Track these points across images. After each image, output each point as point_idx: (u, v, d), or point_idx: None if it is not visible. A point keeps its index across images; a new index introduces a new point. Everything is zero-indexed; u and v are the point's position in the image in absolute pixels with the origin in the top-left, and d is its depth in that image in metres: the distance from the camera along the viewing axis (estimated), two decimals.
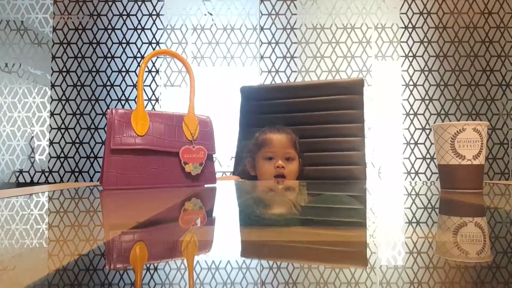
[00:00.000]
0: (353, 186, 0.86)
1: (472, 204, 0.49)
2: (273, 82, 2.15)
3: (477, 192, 0.59)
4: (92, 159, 2.18)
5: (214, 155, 0.71)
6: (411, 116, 2.13)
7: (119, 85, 2.20)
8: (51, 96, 2.19)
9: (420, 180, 2.11)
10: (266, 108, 1.40)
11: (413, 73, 2.13)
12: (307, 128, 1.33)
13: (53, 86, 2.20)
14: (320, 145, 1.31)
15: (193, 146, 0.66)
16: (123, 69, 2.20)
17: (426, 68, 2.13)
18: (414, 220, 0.37)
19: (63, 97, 2.20)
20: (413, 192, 0.65)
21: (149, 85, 2.18)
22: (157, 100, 2.19)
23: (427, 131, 2.12)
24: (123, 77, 2.20)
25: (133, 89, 2.19)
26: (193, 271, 0.20)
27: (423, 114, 2.13)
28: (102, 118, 2.19)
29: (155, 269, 0.21)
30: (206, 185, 0.69)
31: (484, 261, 0.23)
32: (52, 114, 2.19)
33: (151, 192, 0.60)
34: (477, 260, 0.23)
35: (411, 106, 2.12)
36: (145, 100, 2.18)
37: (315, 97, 1.37)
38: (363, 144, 1.30)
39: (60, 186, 0.78)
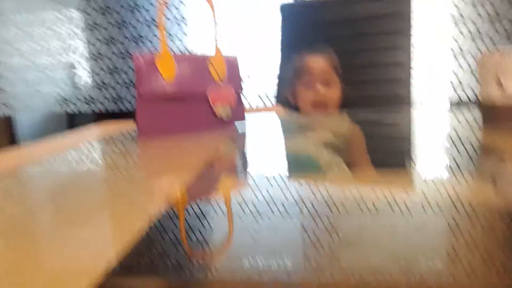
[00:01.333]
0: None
1: None
2: None
3: None
4: (131, 87, 2.23)
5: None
6: None
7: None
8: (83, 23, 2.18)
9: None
10: (308, 28, 1.32)
11: None
12: (350, 47, 1.24)
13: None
14: (363, 60, 1.23)
15: (222, 87, 0.65)
16: None
17: None
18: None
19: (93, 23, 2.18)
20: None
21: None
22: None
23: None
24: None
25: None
26: None
27: None
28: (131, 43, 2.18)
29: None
30: (236, 123, 0.69)
31: None
32: (88, 42, 2.21)
33: (186, 139, 0.61)
34: None
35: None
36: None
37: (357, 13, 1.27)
38: (409, 57, 1.20)
39: (103, 129, 0.81)
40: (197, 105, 0.64)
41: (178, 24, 2.09)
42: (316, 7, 1.39)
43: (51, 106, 2.23)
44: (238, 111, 0.68)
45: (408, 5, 1.24)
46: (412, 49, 1.21)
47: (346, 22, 1.30)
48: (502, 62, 0.55)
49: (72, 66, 2.20)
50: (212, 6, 0.65)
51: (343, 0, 1.37)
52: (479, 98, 0.60)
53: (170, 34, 2.07)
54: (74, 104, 2.24)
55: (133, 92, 2.21)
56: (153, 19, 2.12)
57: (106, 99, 2.21)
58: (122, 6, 2.13)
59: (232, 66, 0.68)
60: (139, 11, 2.13)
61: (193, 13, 2.13)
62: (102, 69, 2.19)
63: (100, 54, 2.18)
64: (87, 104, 2.24)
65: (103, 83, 2.20)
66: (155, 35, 2.11)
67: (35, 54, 2.18)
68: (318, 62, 1.12)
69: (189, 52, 2.09)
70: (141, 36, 2.13)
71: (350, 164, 1.10)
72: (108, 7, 2.14)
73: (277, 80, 1.33)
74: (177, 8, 2.09)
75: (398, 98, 1.20)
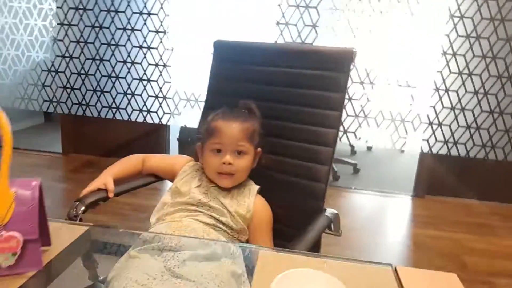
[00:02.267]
0: None
1: None
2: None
3: None
4: (98, 93, 2.11)
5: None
6: None
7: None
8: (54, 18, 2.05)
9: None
10: (238, 73, 1.18)
11: None
12: (276, 107, 1.12)
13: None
14: (287, 131, 1.10)
15: (2, 235, 0.52)
16: None
17: None
18: None
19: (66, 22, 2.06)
20: None
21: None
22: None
23: None
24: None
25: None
26: None
27: None
28: (106, 48, 2.05)
29: None
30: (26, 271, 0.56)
31: None
32: (55, 40, 2.09)
33: None
34: None
35: None
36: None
37: (292, 68, 1.12)
38: (335, 138, 1.06)
39: None
40: None
41: None
42: (252, 51, 1.21)
43: (14, 103, 2.13)
44: (30, 257, 0.55)
45: (347, 76, 1.09)
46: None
47: (281, 76, 1.14)
48: None
49: None
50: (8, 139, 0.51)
51: (283, 49, 1.23)
52: None
53: (148, 11, 1.94)
54: None
55: (101, 99, 2.09)
56: None
57: (72, 102, 2.10)
58: None
59: (23, 201, 0.54)
60: None
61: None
62: (69, 70, 2.08)
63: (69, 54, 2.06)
64: (51, 104, 2.13)
65: (70, 85, 2.09)
66: None
67: None
68: (233, 129, 0.97)
69: (165, 32, 1.95)
70: None
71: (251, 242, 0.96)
72: None
73: (197, 128, 1.19)
74: None
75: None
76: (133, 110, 2.10)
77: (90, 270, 0.75)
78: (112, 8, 2.00)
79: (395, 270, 0.64)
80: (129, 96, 2.08)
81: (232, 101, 1.06)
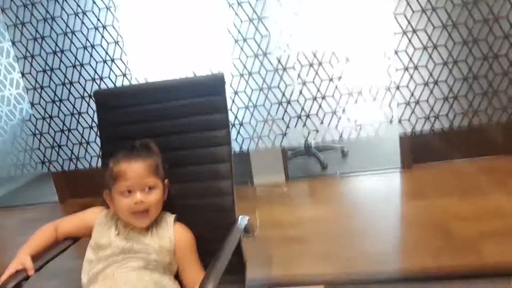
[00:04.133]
0: None
1: None
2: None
3: None
4: (85, 145, 2.21)
5: None
6: None
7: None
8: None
9: None
10: (125, 117, 1.28)
11: None
12: (170, 140, 1.24)
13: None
14: (185, 158, 1.23)
15: None
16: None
17: None
18: None
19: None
20: None
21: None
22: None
23: None
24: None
25: None
26: None
27: None
28: (81, 101, 2.13)
29: None
30: None
31: None
32: (32, 104, 2.19)
33: None
34: None
35: None
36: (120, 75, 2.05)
37: (174, 100, 1.25)
38: (229, 153, 1.19)
39: None
40: None
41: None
42: (132, 94, 1.32)
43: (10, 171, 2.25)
44: None
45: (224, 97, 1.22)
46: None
47: (165, 111, 1.26)
48: None
49: None
50: None
51: (159, 87, 1.32)
52: None
53: (111, 57, 2.02)
54: None
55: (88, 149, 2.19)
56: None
57: (62, 158, 2.22)
58: None
59: None
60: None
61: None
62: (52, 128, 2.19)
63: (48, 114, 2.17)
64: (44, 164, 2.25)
65: (57, 143, 2.20)
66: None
67: None
68: (135, 167, 1.04)
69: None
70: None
71: (183, 270, 1.06)
72: None
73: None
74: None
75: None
76: None
77: None
78: (77, 63, 2.08)
79: None
80: None
81: (127, 144, 1.16)
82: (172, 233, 1.07)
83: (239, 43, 1.92)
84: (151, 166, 1.05)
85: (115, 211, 1.07)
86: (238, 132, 2.02)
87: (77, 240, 1.15)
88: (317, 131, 2.03)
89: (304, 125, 2.02)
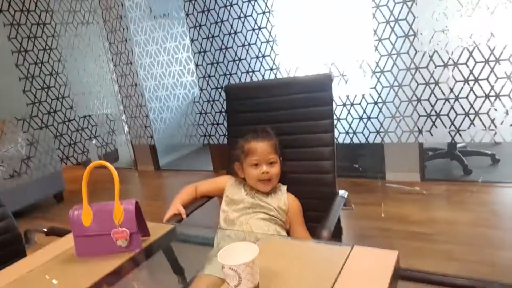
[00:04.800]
0: None
1: None
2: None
3: None
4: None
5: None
6: None
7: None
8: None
9: None
10: (249, 106, 1.57)
11: None
12: (284, 126, 1.48)
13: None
14: (296, 142, 1.46)
15: (119, 229, 1.00)
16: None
17: None
18: None
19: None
20: None
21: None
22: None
23: None
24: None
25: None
26: None
27: None
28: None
29: None
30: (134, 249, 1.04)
31: None
32: (201, 90, 2.74)
33: (103, 256, 1.01)
34: None
35: None
36: (268, 70, 2.43)
37: (287, 95, 1.50)
38: (332, 139, 1.40)
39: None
40: (106, 239, 1.02)
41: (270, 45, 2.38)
42: (256, 88, 1.61)
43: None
44: (134, 241, 1.02)
45: (330, 95, 1.43)
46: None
47: (281, 103, 1.51)
48: None
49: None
50: (116, 180, 1.00)
51: (277, 83, 1.61)
52: None
53: (262, 54, 2.40)
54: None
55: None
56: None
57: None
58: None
59: (128, 212, 1.01)
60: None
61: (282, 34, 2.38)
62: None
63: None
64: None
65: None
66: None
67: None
68: (262, 146, 1.32)
69: (277, 69, 2.37)
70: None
71: (292, 229, 1.35)
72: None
73: (228, 153, 1.52)
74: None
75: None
76: None
77: (180, 276, 1.18)
78: (236, 58, 2.54)
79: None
80: None
81: (248, 129, 1.45)
82: (286, 199, 1.33)
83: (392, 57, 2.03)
84: (273, 145, 1.33)
85: (246, 178, 1.38)
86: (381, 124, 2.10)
87: (210, 199, 1.45)
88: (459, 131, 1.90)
89: (471, 124, 1.85)
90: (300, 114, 1.46)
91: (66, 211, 1.04)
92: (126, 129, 3.12)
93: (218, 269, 0.75)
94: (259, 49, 2.44)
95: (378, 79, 2.05)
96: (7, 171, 2.22)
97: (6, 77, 2.35)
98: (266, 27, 2.38)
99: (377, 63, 2.03)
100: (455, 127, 1.91)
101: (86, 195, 1.02)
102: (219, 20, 2.54)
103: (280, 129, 1.45)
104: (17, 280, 0.97)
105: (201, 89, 2.73)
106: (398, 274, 0.78)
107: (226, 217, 1.34)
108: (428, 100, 1.95)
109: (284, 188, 1.37)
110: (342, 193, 1.38)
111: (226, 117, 1.67)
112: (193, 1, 2.57)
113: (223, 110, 2.68)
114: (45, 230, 1.34)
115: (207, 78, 2.69)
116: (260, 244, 0.99)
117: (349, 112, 2.19)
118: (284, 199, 1.32)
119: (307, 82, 1.50)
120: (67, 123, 2.62)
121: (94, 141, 2.79)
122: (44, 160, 2.44)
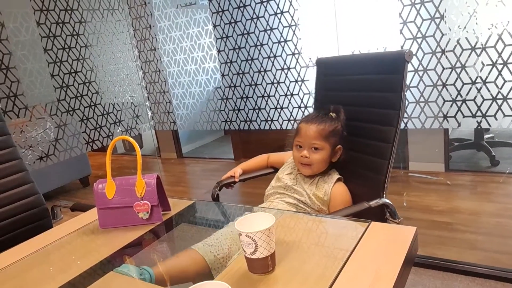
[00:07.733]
0: None
1: None
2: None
3: None
4: (257, 110, 2.67)
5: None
6: None
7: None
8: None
9: None
10: (332, 83, 1.47)
11: None
12: (353, 110, 1.33)
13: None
14: (360, 130, 1.31)
15: (141, 202, 1.03)
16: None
17: None
18: None
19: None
20: None
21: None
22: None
23: None
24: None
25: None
26: None
27: None
28: (258, 75, 2.59)
29: None
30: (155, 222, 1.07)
31: None
32: (223, 75, 2.76)
33: (125, 228, 1.04)
34: None
35: None
36: (289, 54, 2.42)
37: (360, 74, 1.35)
38: (394, 136, 1.19)
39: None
40: (128, 211, 1.05)
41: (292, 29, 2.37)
42: (342, 62, 1.48)
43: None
44: (155, 214, 1.05)
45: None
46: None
47: (351, 81, 1.38)
48: None
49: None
50: (139, 156, 1.03)
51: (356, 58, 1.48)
52: None
53: (284, 39, 2.39)
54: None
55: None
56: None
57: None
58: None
59: (149, 186, 1.04)
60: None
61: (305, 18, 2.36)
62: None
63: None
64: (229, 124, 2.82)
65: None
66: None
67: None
68: (309, 130, 1.27)
69: (299, 53, 2.36)
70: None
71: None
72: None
73: None
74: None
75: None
76: (283, 120, 2.58)
77: None
78: (258, 43, 2.53)
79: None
80: (279, 110, 2.58)
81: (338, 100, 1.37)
82: (330, 189, 1.24)
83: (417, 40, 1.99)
84: (323, 130, 1.23)
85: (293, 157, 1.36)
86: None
87: (275, 172, 1.45)
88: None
89: (499, 109, 1.78)
90: (368, 98, 1.28)
91: (91, 195, 1.08)
92: (150, 114, 3.17)
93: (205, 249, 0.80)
94: (281, 34, 2.43)
95: None
96: (37, 153, 2.30)
97: (36, 63, 2.42)
98: (288, 11, 2.36)
99: (401, 47, 1.99)
100: (481, 112, 1.86)
101: (109, 169, 1.05)
102: (241, 5, 2.54)
103: (350, 112, 1.30)
104: (42, 249, 1.01)
105: (222, 75, 2.75)
106: (416, 249, 0.77)
107: (268, 191, 1.37)
108: (454, 84, 1.90)
109: (335, 177, 1.27)
110: (384, 200, 1.16)
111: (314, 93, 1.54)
112: None
113: (244, 96, 2.70)
114: (70, 206, 1.39)
115: (228, 64, 2.70)
116: (278, 218, 1.00)
117: None
118: (327, 189, 1.24)
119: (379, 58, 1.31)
120: (93, 107, 2.68)
121: (119, 129, 2.84)
122: (71, 143, 2.52)
